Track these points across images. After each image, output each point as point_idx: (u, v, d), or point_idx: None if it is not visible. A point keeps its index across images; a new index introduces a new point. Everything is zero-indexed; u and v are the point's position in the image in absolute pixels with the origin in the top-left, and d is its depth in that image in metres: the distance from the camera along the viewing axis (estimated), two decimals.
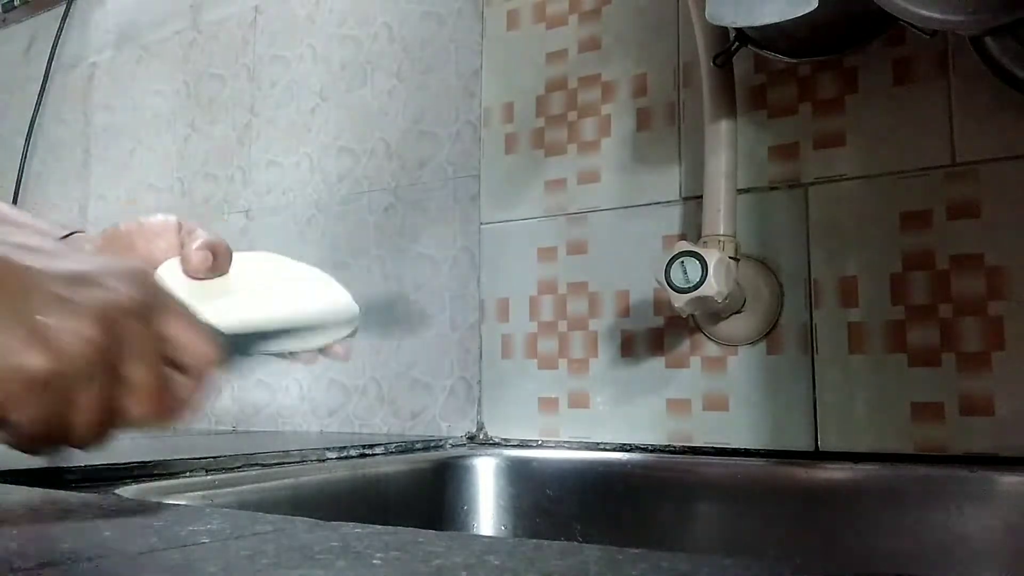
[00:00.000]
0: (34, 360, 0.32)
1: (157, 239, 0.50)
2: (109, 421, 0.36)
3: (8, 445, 0.35)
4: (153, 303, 0.37)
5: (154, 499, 0.56)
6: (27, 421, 0.33)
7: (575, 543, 0.44)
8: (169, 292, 0.39)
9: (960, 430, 0.73)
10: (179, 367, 0.38)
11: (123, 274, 0.36)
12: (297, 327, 0.50)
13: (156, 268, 0.49)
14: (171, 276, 0.48)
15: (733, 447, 0.82)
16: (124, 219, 0.52)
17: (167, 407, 0.38)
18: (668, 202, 0.89)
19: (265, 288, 0.50)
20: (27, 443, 0.35)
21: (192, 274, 0.48)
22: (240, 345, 0.46)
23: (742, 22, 0.70)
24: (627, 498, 0.81)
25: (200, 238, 0.49)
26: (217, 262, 0.49)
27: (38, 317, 0.32)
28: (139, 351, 0.36)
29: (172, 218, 0.51)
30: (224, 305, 0.48)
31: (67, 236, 0.52)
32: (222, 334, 0.43)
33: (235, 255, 0.51)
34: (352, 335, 0.52)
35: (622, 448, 0.88)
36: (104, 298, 0.34)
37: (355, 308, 0.52)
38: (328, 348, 0.52)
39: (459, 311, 1.02)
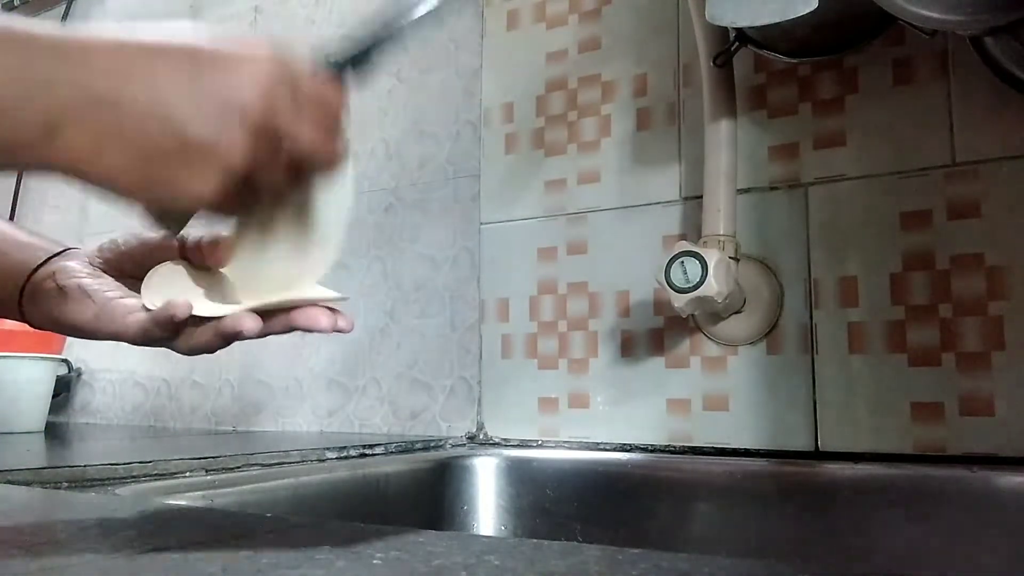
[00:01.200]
0: (208, 188, 0.36)
1: (158, 257, 0.49)
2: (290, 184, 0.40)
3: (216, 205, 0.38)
4: (289, 86, 0.39)
5: (154, 499, 0.56)
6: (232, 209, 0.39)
7: (575, 543, 0.44)
8: (295, 66, 0.41)
9: (960, 430, 0.73)
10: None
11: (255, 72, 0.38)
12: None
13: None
14: (173, 272, 0.48)
15: (733, 447, 0.82)
16: (124, 222, 0.52)
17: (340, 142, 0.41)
18: (668, 202, 0.89)
19: (268, 277, 0.49)
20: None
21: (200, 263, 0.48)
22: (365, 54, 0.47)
23: (742, 22, 0.70)
24: (627, 498, 0.81)
25: (203, 233, 0.49)
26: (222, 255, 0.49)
27: (193, 138, 0.36)
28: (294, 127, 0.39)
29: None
30: (231, 288, 0.47)
31: (65, 251, 0.51)
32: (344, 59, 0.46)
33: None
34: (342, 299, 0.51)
35: (622, 448, 0.88)
36: (250, 97, 0.37)
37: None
38: (334, 317, 0.50)
39: (459, 311, 1.02)
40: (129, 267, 0.49)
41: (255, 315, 0.44)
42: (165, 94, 0.36)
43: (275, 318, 0.45)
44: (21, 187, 1.55)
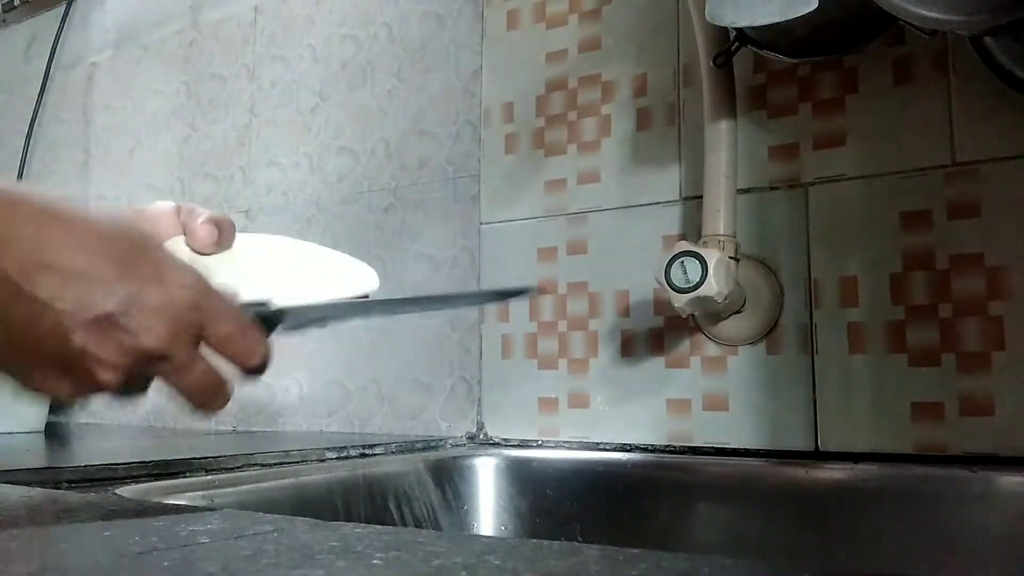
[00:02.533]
0: (69, 391, 0.36)
1: (157, 225, 0.50)
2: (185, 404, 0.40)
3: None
4: (206, 301, 0.39)
5: (154, 499, 0.56)
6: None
7: (575, 543, 0.44)
8: (218, 297, 0.40)
9: (960, 430, 0.73)
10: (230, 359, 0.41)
11: (185, 274, 0.38)
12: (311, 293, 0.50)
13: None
14: (176, 251, 0.48)
15: (733, 447, 0.82)
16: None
17: (223, 398, 0.41)
18: (668, 202, 0.89)
19: (274, 264, 0.50)
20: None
21: (199, 249, 0.48)
22: (285, 320, 0.46)
23: (742, 22, 0.70)
24: (627, 498, 0.81)
25: (202, 215, 0.49)
26: (222, 236, 0.49)
27: (71, 362, 0.35)
28: (185, 365, 0.39)
29: (170, 203, 0.51)
30: (231, 281, 0.48)
31: None
32: (263, 315, 0.44)
33: (241, 235, 0.51)
34: (366, 298, 0.51)
35: (622, 448, 0.88)
36: (138, 343, 0.36)
37: (375, 276, 0.51)
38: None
39: (459, 311, 1.02)
40: None
41: None
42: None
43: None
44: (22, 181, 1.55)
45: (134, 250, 0.37)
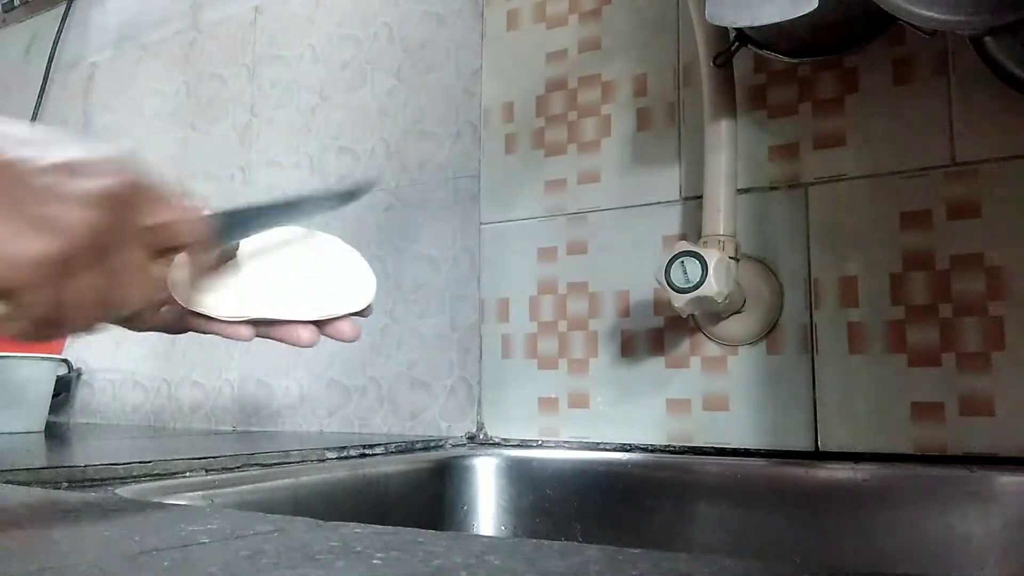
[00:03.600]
0: (35, 245, 0.34)
1: None
2: (107, 304, 0.38)
3: (15, 334, 0.37)
4: (141, 187, 0.38)
5: (154, 499, 0.56)
6: (34, 304, 0.35)
7: (575, 543, 0.44)
8: (155, 176, 0.40)
9: (960, 430, 0.73)
10: (174, 248, 0.41)
11: (112, 161, 0.37)
12: (294, 203, 0.49)
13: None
14: (178, 259, 0.48)
15: (733, 447, 0.82)
16: None
17: (156, 289, 0.40)
18: (668, 202, 0.89)
19: (275, 272, 0.49)
20: (33, 329, 0.36)
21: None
22: (237, 224, 0.46)
23: (742, 22, 0.70)
24: (627, 498, 0.81)
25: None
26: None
27: (35, 207, 0.34)
28: (132, 234, 0.38)
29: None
30: (230, 292, 0.47)
31: None
32: (216, 214, 0.44)
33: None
34: (365, 312, 0.51)
35: (622, 448, 0.88)
36: (96, 185, 0.36)
37: (373, 285, 0.51)
38: (332, 325, 0.49)
39: (459, 311, 1.02)
40: None
41: (249, 326, 0.46)
42: (23, 148, 0.35)
43: (259, 327, 0.47)
44: None
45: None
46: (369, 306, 0.50)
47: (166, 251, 0.41)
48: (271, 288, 0.48)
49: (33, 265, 0.34)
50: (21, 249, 0.34)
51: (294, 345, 0.48)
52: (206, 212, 0.43)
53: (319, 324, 0.48)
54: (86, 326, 0.38)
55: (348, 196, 0.53)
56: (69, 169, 0.36)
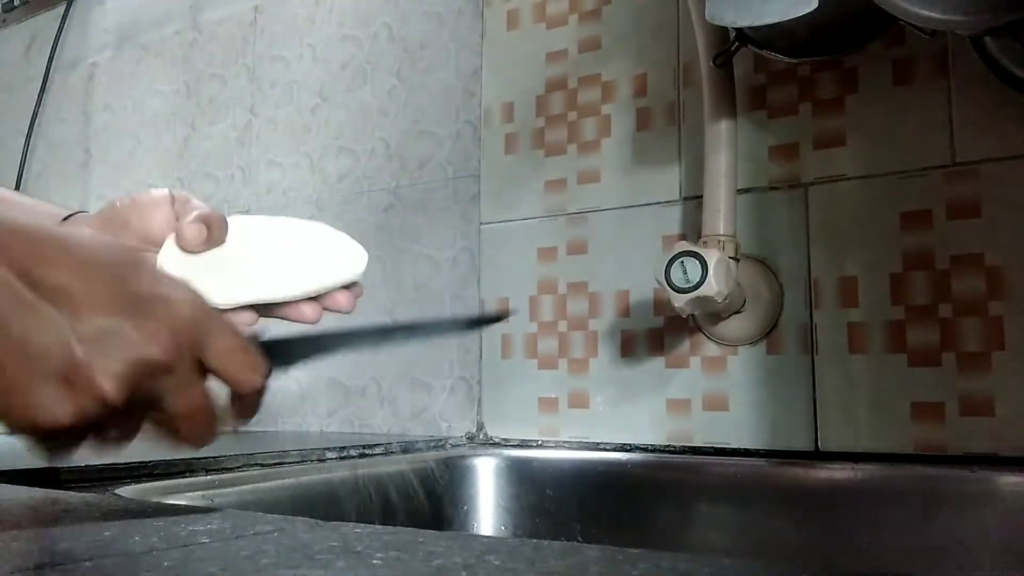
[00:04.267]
0: (59, 418, 0.33)
1: (151, 215, 0.50)
2: (162, 437, 0.37)
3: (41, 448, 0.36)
4: (204, 325, 0.37)
5: (154, 499, 0.56)
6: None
7: (575, 543, 0.44)
8: (220, 317, 0.38)
9: (960, 430, 0.73)
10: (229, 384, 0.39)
11: (182, 301, 0.36)
12: (300, 295, 0.49)
13: (151, 244, 0.49)
14: (168, 252, 0.48)
15: (733, 447, 0.82)
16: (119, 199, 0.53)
17: (212, 430, 0.39)
18: (668, 202, 0.89)
19: (265, 255, 0.49)
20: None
21: (187, 248, 0.48)
22: (283, 354, 0.44)
23: (742, 22, 0.70)
24: (627, 498, 0.81)
25: (194, 210, 0.49)
26: (212, 234, 0.48)
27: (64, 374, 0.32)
28: (187, 376, 0.36)
29: (164, 191, 0.51)
30: (223, 279, 0.48)
31: (68, 217, 0.52)
32: (271, 342, 0.42)
33: (233, 220, 0.50)
34: (357, 285, 0.51)
35: (622, 448, 0.88)
36: (167, 324, 0.35)
37: (363, 256, 0.51)
38: (329, 298, 0.50)
39: (459, 311, 1.02)
40: (129, 234, 0.49)
41: (251, 312, 0.45)
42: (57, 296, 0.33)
43: (267, 311, 0.47)
44: (21, 187, 1.55)
45: (131, 265, 0.35)
46: (358, 283, 0.50)
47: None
48: (263, 271, 0.48)
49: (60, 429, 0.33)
50: (52, 410, 0.32)
51: (300, 322, 0.48)
52: (258, 342, 0.41)
53: (318, 299, 0.49)
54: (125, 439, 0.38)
55: (456, 325, 0.52)
56: (113, 330, 0.33)
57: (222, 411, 0.40)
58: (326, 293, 0.49)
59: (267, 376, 0.40)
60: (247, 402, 0.40)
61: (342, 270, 0.50)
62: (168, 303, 0.35)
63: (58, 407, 0.32)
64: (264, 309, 0.48)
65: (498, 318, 0.52)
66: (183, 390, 0.36)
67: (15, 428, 0.33)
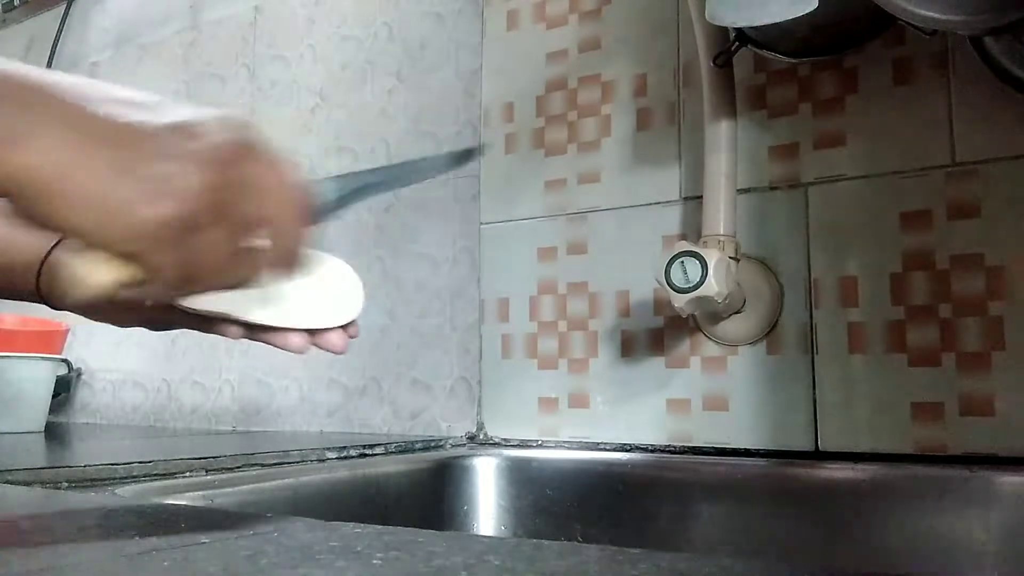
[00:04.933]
0: (159, 209, 0.34)
1: None
2: (238, 260, 0.38)
3: (150, 297, 0.37)
4: (253, 146, 0.38)
5: (154, 499, 0.56)
6: (162, 267, 0.35)
7: (575, 543, 0.44)
8: (265, 138, 0.39)
9: (960, 430, 0.73)
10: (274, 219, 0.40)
11: (223, 121, 0.37)
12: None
13: None
14: None
15: (733, 447, 0.82)
16: None
17: (291, 239, 0.39)
18: (668, 202, 0.89)
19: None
20: (161, 289, 0.37)
21: None
22: (346, 191, 0.45)
23: (742, 22, 0.70)
24: (627, 498, 0.81)
25: None
26: None
27: (152, 170, 0.34)
28: (245, 194, 0.37)
29: None
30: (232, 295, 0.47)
31: None
32: (325, 180, 0.44)
33: None
34: (351, 326, 0.51)
35: (622, 448, 0.88)
36: (210, 145, 0.36)
37: (362, 298, 0.51)
38: (322, 336, 0.50)
39: (459, 311, 1.02)
40: None
41: (239, 326, 0.46)
42: (138, 112, 0.35)
43: (255, 331, 0.47)
44: None
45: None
46: (354, 321, 0.50)
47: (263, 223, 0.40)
48: (262, 294, 0.48)
49: (156, 227, 0.34)
50: (144, 213, 0.34)
51: (283, 350, 0.48)
52: (313, 179, 0.42)
53: (310, 332, 0.49)
54: (225, 279, 0.38)
55: (455, 160, 0.52)
56: (182, 131, 0.35)
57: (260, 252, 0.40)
58: (320, 330, 0.49)
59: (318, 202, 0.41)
60: (288, 243, 0.40)
61: (338, 315, 0.50)
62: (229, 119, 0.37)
63: (159, 207, 0.34)
64: (253, 329, 0.48)
65: (473, 152, 0.53)
66: (258, 197, 0.37)
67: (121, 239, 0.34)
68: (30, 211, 0.33)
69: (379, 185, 0.48)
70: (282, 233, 0.39)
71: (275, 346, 0.48)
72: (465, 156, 0.52)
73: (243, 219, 0.37)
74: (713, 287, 0.74)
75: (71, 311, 0.49)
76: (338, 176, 0.45)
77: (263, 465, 0.72)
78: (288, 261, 0.40)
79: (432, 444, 0.93)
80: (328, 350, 0.49)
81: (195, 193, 0.35)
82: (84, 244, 0.35)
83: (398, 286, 1.07)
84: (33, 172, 0.32)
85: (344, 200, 0.45)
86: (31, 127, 0.32)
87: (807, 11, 0.65)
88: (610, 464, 0.84)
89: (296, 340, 0.48)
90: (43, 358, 1.17)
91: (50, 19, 1.59)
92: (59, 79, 0.35)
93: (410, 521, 0.77)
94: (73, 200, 0.33)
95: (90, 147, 0.33)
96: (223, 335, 0.47)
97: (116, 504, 0.46)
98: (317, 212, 0.42)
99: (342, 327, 0.50)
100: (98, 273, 0.35)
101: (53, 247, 0.51)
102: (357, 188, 0.46)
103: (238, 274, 0.38)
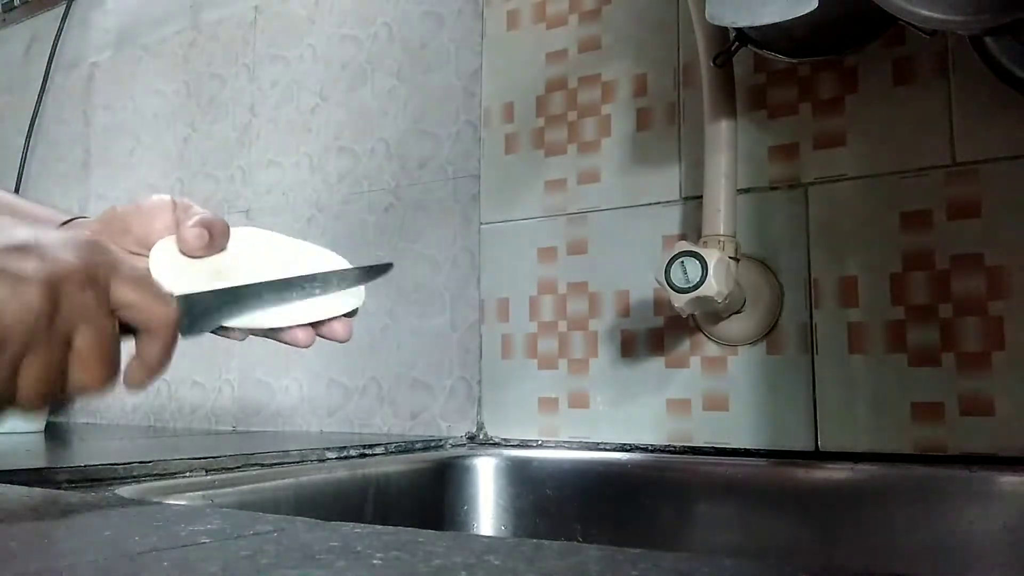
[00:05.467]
0: None
1: (153, 219, 0.49)
2: (54, 385, 0.37)
3: None
4: (100, 269, 0.38)
5: (154, 499, 0.56)
6: None
7: (575, 543, 0.44)
8: (121, 258, 0.40)
9: (960, 430, 0.73)
10: (136, 330, 0.40)
11: (68, 243, 0.37)
12: (278, 292, 0.48)
13: (151, 249, 0.49)
14: (167, 255, 0.47)
15: (733, 447, 0.82)
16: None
17: (111, 372, 0.39)
18: (668, 202, 0.89)
19: (265, 265, 0.49)
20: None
21: (188, 252, 0.47)
22: (205, 308, 0.44)
23: (742, 22, 0.70)
24: (627, 498, 0.81)
25: (196, 216, 0.48)
26: (214, 240, 0.48)
27: None
28: (83, 317, 0.37)
29: (166, 197, 0.51)
30: (223, 284, 0.47)
31: (68, 221, 0.52)
32: (181, 297, 0.43)
33: (235, 231, 0.50)
34: (353, 313, 0.51)
35: (622, 448, 0.88)
36: (47, 267, 0.36)
37: (363, 288, 0.51)
38: (326, 325, 0.50)
39: (459, 311, 1.02)
40: (129, 240, 0.49)
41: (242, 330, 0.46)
42: None
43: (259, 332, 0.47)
44: (21, 187, 1.55)
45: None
46: (356, 309, 0.50)
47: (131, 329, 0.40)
48: None
49: None
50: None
51: (292, 345, 0.48)
52: (173, 296, 0.42)
53: (313, 325, 0.49)
54: (37, 403, 0.38)
55: (364, 274, 0.52)
56: (22, 250, 0.35)
57: (131, 361, 0.41)
58: (323, 321, 0.49)
59: (172, 312, 0.41)
60: (156, 350, 0.41)
61: (342, 304, 0.50)
62: (72, 236, 0.38)
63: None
64: (253, 330, 0.48)
65: (385, 268, 0.52)
66: (86, 325, 0.37)
67: None
68: None
69: (264, 299, 0.46)
70: (144, 346, 0.39)
71: (283, 342, 0.48)
72: (376, 271, 0.51)
73: (64, 340, 0.37)
74: (713, 287, 0.74)
75: None
76: (216, 290, 0.45)
77: (263, 465, 0.72)
78: (150, 373, 0.40)
79: (432, 444, 0.93)
80: (333, 339, 0.49)
81: (20, 316, 0.34)
82: None
83: (398, 286, 1.07)
84: None
85: (214, 315, 0.44)
86: None
87: (807, 11, 0.65)
88: (610, 464, 0.84)
89: (302, 335, 0.48)
90: None
91: (50, 19, 1.59)
92: None
93: (410, 521, 0.77)
94: None
95: None
96: (227, 337, 0.47)
97: (116, 504, 0.46)
98: (188, 325, 0.42)
99: (345, 315, 0.50)
100: None
101: None
102: (231, 302, 0.45)
103: (52, 395, 0.38)
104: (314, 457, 0.78)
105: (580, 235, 0.95)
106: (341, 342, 0.50)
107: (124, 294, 0.39)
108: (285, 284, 0.48)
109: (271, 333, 0.48)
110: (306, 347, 0.48)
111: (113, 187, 1.44)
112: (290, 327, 0.48)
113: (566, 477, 0.85)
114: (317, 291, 0.48)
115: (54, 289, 0.36)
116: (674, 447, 0.85)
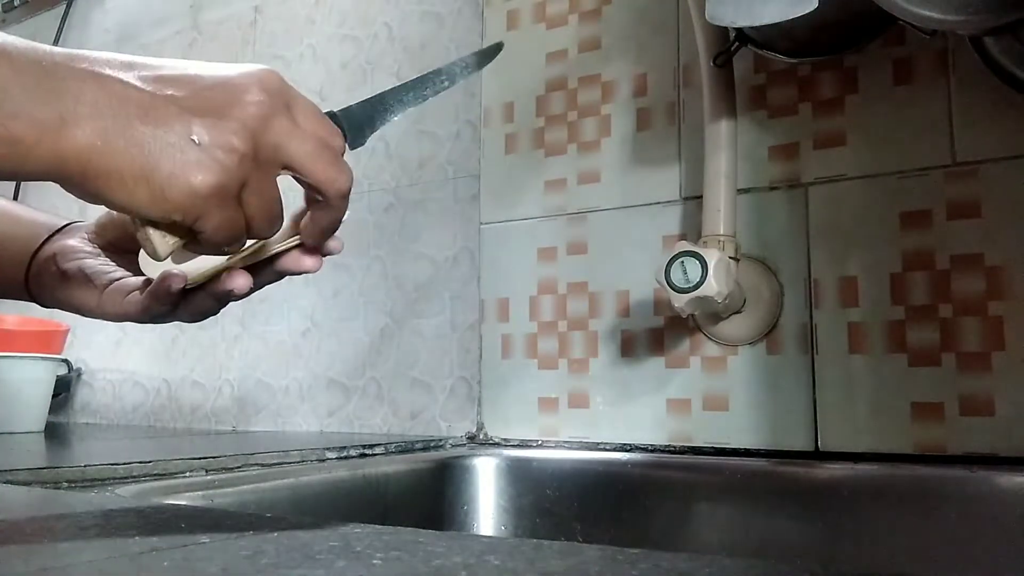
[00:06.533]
0: (204, 178, 0.36)
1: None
2: (278, 206, 0.41)
3: (199, 252, 0.40)
4: (281, 98, 0.40)
5: (154, 499, 0.56)
6: (213, 228, 0.38)
7: (575, 543, 0.44)
8: (295, 90, 0.42)
9: (960, 430, 0.73)
10: (311, 196, 0.43)
11: (249, 77, 0.39)
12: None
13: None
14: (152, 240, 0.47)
15: (733, 447, 0.82)
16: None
17: (337, 169, 0.42)
18: (668, 202, 0.89)
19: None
20: (215, 246, 0.40)
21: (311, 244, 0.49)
22: (360, 121, 0.49)
23: (742, 22, 0.70)
24: (627, 498, 0.81)
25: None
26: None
27: (193, 139, 0.36)
28: (286, 139, 0.39)
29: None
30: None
31: (65, 227, 0.52)
32: (340, 113, 0.46)
33: None
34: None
35: (622, 448, 0.88)
36: (242, 107, 0.38)
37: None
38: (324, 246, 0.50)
39: (459, 311, 1.02)
40: (125, 241, 0.49)
41: (244, 272, 0.44)
42: (171, 87, 0.37)
43: (263, 270, 0.46)
44: (21, 187, 1.55)
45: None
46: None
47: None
48: None
49: (202, 196, 0.36)
50: (189, 184, 0.36)
51: (301, 272, 0.47)
52: (337, 119, 0.45)
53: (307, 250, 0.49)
54: (267, 227, 0.41)
55: (481, 57, 0.54)
56: (214, 97, 0.37)
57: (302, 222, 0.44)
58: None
59: (350, 182, 0.43)
60: (331, 217, 0.43)
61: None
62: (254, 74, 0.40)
63: (194, 173, 0.36)
64: (258, 269, 0.46)
65: (497, 49, 0.55)
66: (294, 143, 0.40)
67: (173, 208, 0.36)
68: (82, 191, 0.35)
69: (405, 100, 0.51)
70: (323, 176, 0.41)
71: (293, 273, 0.48)
72: (491, 52, 0.54)
73: (280, 168, 0.40)
74: (713, 287, 0.74)
75: (67, 311, 0.49)
76: (362, 101, 0.48)
77: (263, 465, 0.72)
78: (340, 198, 0.42)
79: (432, 444, 0.93)
80: (330, 254, 0.49)
81: (235, 158, 0.37)
82: (138, 217, 0.37)
83: (398, 286, 1.07)
84: (82, 155, 0.34)
85: (374, 122, 0.49)
86: (75, 111, 0.34)
87: (807, 11, 0.65)
88: (610, 464, 0.84)
89: (309, 261, 0.48)
90: (43, 358, 1.17)
91: (50, 19, 1.59)
92: (92, 58, 0.36)
93: (410, 521, 0.77)
94: (121, 178, 0.35)
95: (132, 126, 0.35)
96: (232, 287, 0.46)
97: (116, 504, 0.46)
98: (351, 140, 0.45)
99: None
100: (157, 243, 0.38)
101: (44, 243, 0.51)
102: (384, 108, 0.50)
103: (278, 214, 0.41)
104: (314, 457, 0.78)
105: (580, 235, 0.95)
106: (337, 254, 0.50)
107: (303, 122, 0.41)
108: (420, 82, 0.52)
109: (276, 265, 0.47)
110: (314, 271, 0.48)
111: None
112: (296, 254, 0.47)
113: (566, 477, 0.85)
114: (446, 83, 0.52)
115: (255, 129, 0.38)
116: (674, 447, 0.85)
